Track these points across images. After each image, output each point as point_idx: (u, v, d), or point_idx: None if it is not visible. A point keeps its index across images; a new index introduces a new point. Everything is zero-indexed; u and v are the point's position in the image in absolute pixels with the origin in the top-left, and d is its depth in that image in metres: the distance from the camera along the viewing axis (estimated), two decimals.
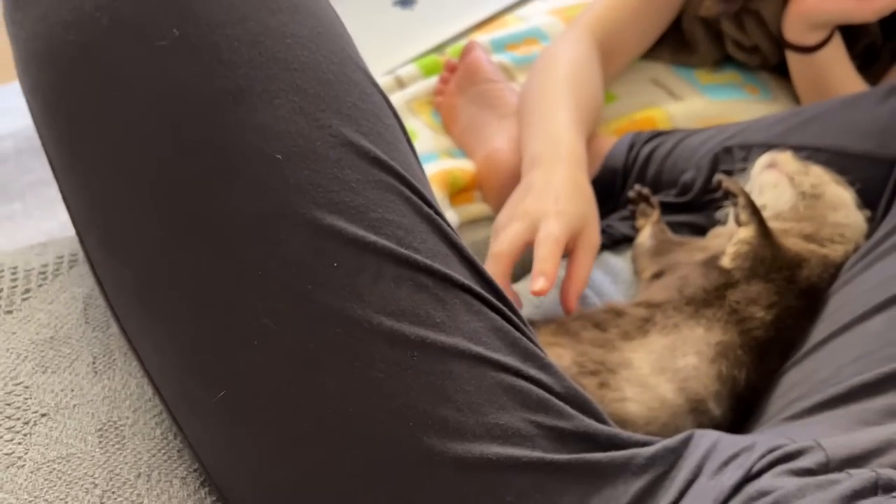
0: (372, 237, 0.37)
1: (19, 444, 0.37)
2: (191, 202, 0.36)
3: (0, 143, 1.84)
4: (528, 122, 0.80)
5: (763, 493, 0.41)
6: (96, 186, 0.38)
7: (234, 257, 0.36)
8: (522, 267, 0.71)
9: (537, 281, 0.60)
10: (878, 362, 0.51)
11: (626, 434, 0.46)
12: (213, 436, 0.38)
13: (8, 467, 0.36)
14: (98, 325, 0.44)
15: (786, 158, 0.68)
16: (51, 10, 0.37)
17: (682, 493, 0.43)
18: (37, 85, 0.39)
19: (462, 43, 1.05)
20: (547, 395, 0.41)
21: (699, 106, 0.92)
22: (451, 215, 0.81)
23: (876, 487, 0.39)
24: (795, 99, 0.93)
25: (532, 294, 0.61)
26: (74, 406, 0.39)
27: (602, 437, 0.44)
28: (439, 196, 0.81)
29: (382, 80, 1.02)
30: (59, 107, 0.38)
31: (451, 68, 0.99)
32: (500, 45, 1.05)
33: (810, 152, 0.71)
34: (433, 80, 1.00)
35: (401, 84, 1.02)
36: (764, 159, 0.70)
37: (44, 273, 0.46)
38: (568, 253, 0.67)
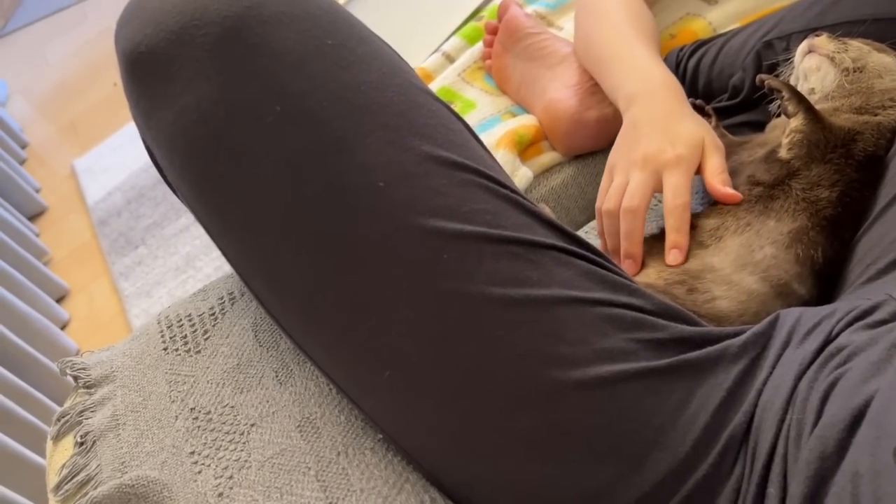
0: (468, 227, 0.46)
1: (242, 450, 0.48)
2: (328, 238, 0.46)
3: (110, 198, 2.03)
4: (608, 67, 0.81)
5: (840, 349, 0.46)
6: (249, 242, 0.48)
7: (371, 271, 0.46)
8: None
9: (671, 254, 0.65)
10: None
11: (717, 330, 0.53)
12: (385, 407, 0.48)
13: (240, 469, 0.47)
14: (269, 345, 0.54)
15: (822, 41, 0.71)
16: (177, 115, 0.47)
17: (774, 366, 0.49)
18: (183, 173, 0.50)
19: (496, 2, 1.09)
20: (640, 315, 0.48)
21: (736, 4, 0.93)
22: (525, 171, 0.87)
23: None
24: None
25: (667, 265, 0.65)
26: (273, 413, 0.50)
27: (696, 337, 0.50)
28: (510, 157, 0.87)
29: (432, 59, 1.09)
30: (204, 186, 0.48)
31: (492, 30, 1.03)
32: None
33: (848, 27, 0.73)
34: (478, 47, 1.06)
35: (450, 59, 1.08)
36: (803, 46, 0.73)
37: (213, 314, 0.57)
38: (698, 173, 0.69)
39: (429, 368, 0.46)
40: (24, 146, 2.23)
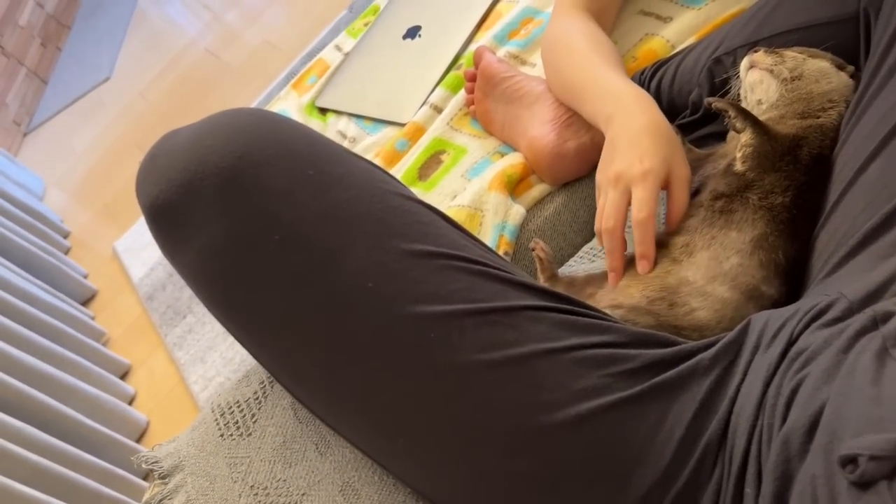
0: (449, 307, 0.54)
1: None
2: (333, 338, 0.55)
3: (153, 274, 2.15)
4: (582, 95, 0.88)
5: (800, 353, 0.51)
6: (272, 348, 0.58)
7: (373, 358, 0.55)
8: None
9: (640, 264, 0.71)
10: (881, 203, 0.57)
11: (691, 346, 0.59)
12: (407, 468, 0.57)
13: None
14: (307, 421, 0.63)
15: (760, 56, 0.78)
16: (195, 254, 0.57)
17: (746, 372, 0.55)
18: (208, 299, 0.59)
19: (471, 50, 1.17)
20: (612, 350, 0.56)
21: (688, 20, 0.99)
22: (518, 208, 0.95)
23: (875, 322, 0.48)
24: None
25: (640, 273, 0.71)
26: (318, 481, 0.59)
27: (669, 358, 0.57)
28: (503, 198, 0.95)
29: (422, 112, 1.17)
30: (227, 308, 0.58)
31: (471, 77, 1.10)
32: (503, 37, 1.17)
33: (784, 36, 0.80)
34: (462, 95, 1.14)
35: (437, 109, 1.17)
36: (744, 62, 0.80)
37: (257, 398, 0.66)
38: (665, 188, 0.74)
39: (434, 431, 0.54)
40: (66, 235, 2.37)
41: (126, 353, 1.88)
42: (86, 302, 2.11)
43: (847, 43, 0.76)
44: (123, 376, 1.85)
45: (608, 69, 0.86)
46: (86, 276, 2.18)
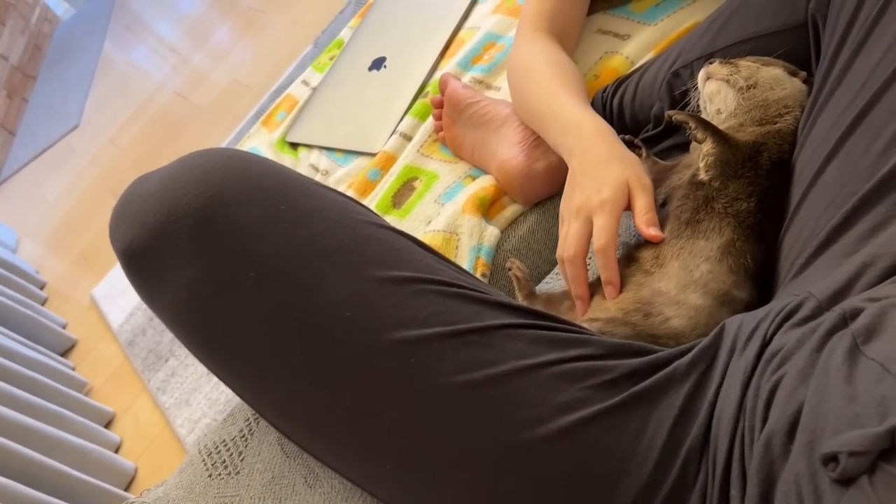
0: (427, 330, 0.55)
1: None
2: (314, 369, 0.56)
3: (132, 319, 2.14)
4: (543, 123, 0.91)
5: (775, 353, 0.52)
6: (254, 384, 0.58)
7: (355, 387, 0.55)
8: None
9: (606, 290, 0.73)
10: (841, 203, 0.59)
11: (668, 353, 0.60)
12: (395, 493, 0.57)
13: None
14: (295, 455, 0.63)
15: (715, 67, 0.80)
16: (173, 296, 0.58)
17: (724, 376, 0.56)
18: (188, 341, 0.60)
19: (436, 77, 1.19)
20: (590, 363, 0.57)
21: (645, 36, 1.02)
22: (492, 230, 0.96)
23: (845, 319, 0.49)
24: None
25: (609, 300, 0.73)
26: None
27: (646, 367, 0.58)
28: (476, 220, 0.96)
29: (392, 142, 1.19)
30: (208, 349, 0.58)
31: (438, 104, 1.12)
32: (467, 63, 1.19)
33: (738, 47, 0.82)
34: (430, 122, 1.16)
35: (407, 137, 1.18)
36: (701, 74, 0.82)
37: (243, 436, 0.66)
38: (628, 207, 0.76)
39: (420, 455, 0.55)
40: (42, 286, 2.35)
41: (109, 401, 1.86)
42: (66, 352, 2.09)
43: (798, 50, 0.78)
44: (108, 425, 1.83)
45: (567, 97, 0.88)
46: (64, 326, 2.16)
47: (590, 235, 0.76)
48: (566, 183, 0.83)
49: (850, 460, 0.39)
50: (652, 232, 0.72)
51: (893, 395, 0.40)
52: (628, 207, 0.76)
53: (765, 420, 0.49)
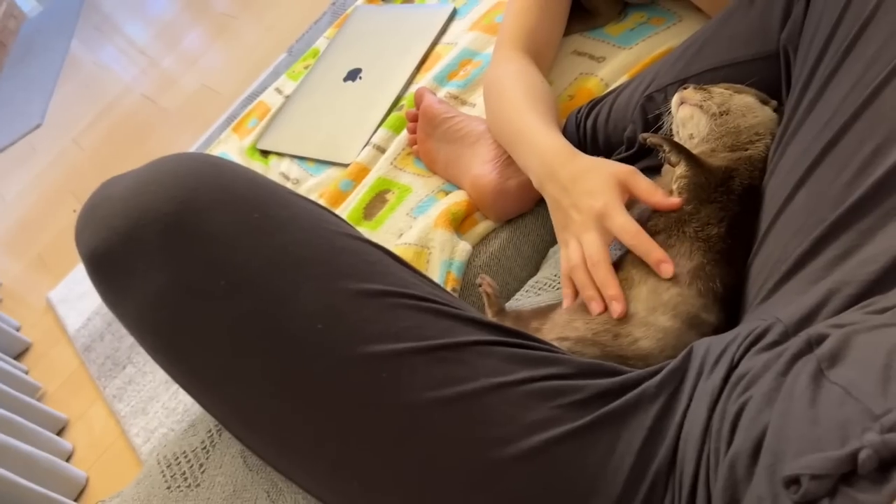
0: (399, 345, 0.54)
1: None
2: (283, 382, 0.55)
3: (90, 324, 2.09)
4: (512, 146, 0.92)
5: (741, 377, 0.53)
6: (220, 396, 0.57)
7: (324, 402, 0.54)
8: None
9: (612, 306, 0.71)
10: (809, 230, 0.60)
11: (637, 375, 0.60)
12: None
13: None
14: (258, 468, 0.62)
15: (689, 93, 0.81)
16: (139, 303, 0.56)
17: (691, 398, 0.56)
18: (153, 350, 0.58)
19: (412, 91, 1.19)
20: (561, 382, 0.57)
21: (620, 59, 1.04)
22: (464, 245, 0.96)
23: (810, 345, 0.49)
24: (696, 10, 1.04)
25: (615, 317, 0.71)
26: None
27: (616, 387, 0.58)
28: (448, 235, 0.96)
29: (365, 153, 1.18)
30: (174, 358, 0.57)
31: (412, 118, 1.13)
32: (443, 78, 1.20)
33: (711, 74, 0.84)
34: (404, 135, 1.15)
35: (380, 149, 1.18)
36: (675, 99, 0.83)
37: (205, 447, 0.64)
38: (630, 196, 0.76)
39: (389, 472, 0.54)
40: None
41: (63, 408, 1.81)
42: (19, 356, 2.03)
43: (769, 78, 0.79)
44: (60, 432, 1.78)
45: (535, 121, 0.89)
46: (18, 329, 2.10)
47: (608, 241, 0.75)
48: (551, 213, 0.83)
49: (811, 483, 0.40)
50: (674, 200, 0.73)
51: (855, 418, 0.41)
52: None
53: (730, 442, 0.49)
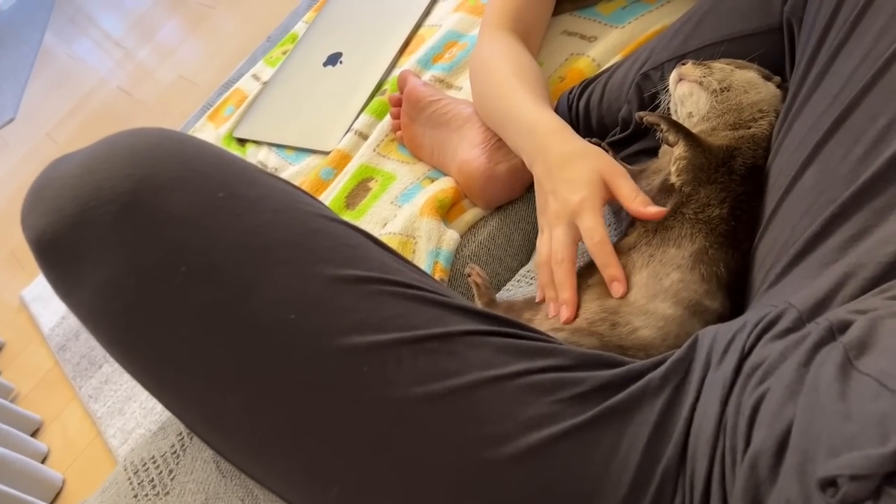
0: (383, 336, 0.49)
1: None
2: (252, 379, 0.49)
3: (64, 322, 2.03)
4: (503, 125, 0.88)
5: (756, 367, 0.49)
6: (183, 394, 0.51)
7: (298, 400, 0.49)
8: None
9: (613, 287, 0.68)
10: (819, 210, 0.57)
11: (640, 366, 0.56)
12: None
13: None
14: (232, 474, 0.57)
15: (688, 69, 0.77)
16: (92, 292, 0.50)
17: (699, 391, 0.52)
18: (108, 343, 0.53)
19: (395, 75, 1.14)
20: (559, 374, 0.52)
21: (612, 38, 1.00)
22: (451, 233, 0.92)
23: (832, 332, 0.46)
24: None
25: (616, 298, 0.68)
26: None
27: (618, 380, 0.54)
28: (435, 223, 0.92)
29: (346, 140, 1.13)
30: (130, 352, 0.52)
31: (396, 102, 1.08)
32: (427, 62, 1.15)
33: (710, 49, 0.80)
34: (387, 120, 1.11)
35: (363, 136, 1.13)
36: (673, 75, 0.79)
37: (175, 452, 0.59)
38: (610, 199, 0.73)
39: (373, 476, 0.49)
40: None
41: (37, 409, 1.75)
42: None
43: (772, 53, 0.76)
44: (35, 433, 1.72)
45: (525, 97, 0.85)
46: None
47: (576, 238, 0.72)
48: (536, 193, 0.80)
49: (851, 485, 0.36)
50: (652, 210, 0.69)
51: (893, 412, 0.37)
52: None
53: (748, 438, 0.46)
